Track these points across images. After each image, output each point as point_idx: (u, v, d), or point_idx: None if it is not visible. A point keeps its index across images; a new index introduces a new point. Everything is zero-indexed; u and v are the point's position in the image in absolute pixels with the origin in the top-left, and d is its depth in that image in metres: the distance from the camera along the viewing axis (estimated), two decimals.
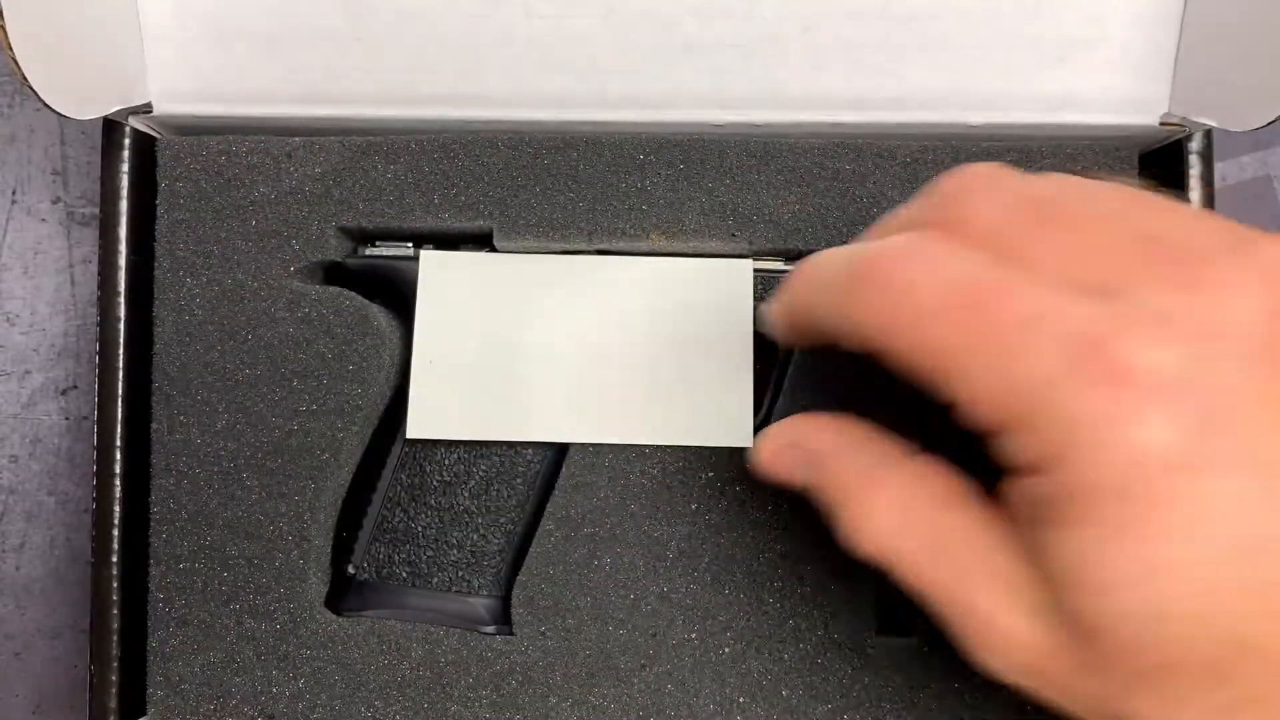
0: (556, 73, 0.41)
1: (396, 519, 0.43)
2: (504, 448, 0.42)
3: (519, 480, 0.42)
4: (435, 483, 0.42)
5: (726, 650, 0.42)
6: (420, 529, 0.42)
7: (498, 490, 0.42)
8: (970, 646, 0.29)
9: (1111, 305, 0.25)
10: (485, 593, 0.42)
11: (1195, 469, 0.24)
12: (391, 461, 0.43)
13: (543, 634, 0.42)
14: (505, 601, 0.42)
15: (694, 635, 0.42)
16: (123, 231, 0.41)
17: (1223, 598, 0.24)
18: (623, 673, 0.42)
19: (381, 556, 0.43)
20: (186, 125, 0.43)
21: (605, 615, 0.42)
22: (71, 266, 0.48)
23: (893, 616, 0.42)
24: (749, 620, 0.42)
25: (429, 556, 0.42)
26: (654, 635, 0.42)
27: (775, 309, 0.33)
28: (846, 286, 0.28)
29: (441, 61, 0.41)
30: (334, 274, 0.44)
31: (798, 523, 0.41)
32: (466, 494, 0.42)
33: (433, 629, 0.42)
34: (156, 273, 0.42)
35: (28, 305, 0.48)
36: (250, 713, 0.42)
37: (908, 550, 0.30)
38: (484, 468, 0.42)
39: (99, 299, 0.41)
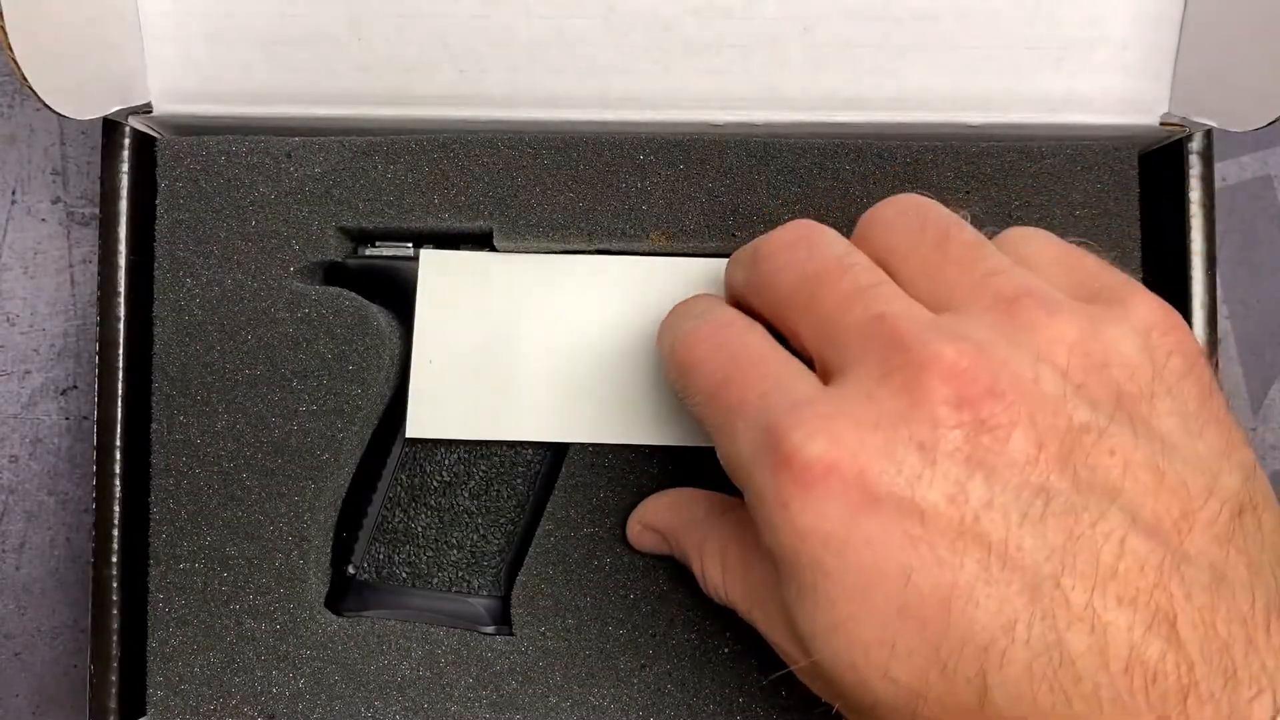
0: (556, 73, 0.41)
1: (396, 519, 0.43)
2: (504, 448, 0.42)
3: (519, 480, 0.42)
4: (435, 483, 0.42)
5: (726, 650, 0.42)
6: (420, 529, 0.42)
7: (498, 490, 0.42)
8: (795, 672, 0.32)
9: (820, 395, 0.29)
10: (485, 593, 0.42)
11: (851, 544, 0.26)
12: (391, 462, 0.43)
13: (543, 634, 0.42)
14: (505, 602, 0.42)
15: (694, 635, 0.42)
16: (123, 231, 0.41)
17: (891, 653, 0.26)
18: (623, 673, 0.42)
19: (381, 557, 0.43)
20: (186, 125, 0.43)
21: (605, 615, 0.42)
22: (71, 266, 0.48)
23: None
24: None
25: (429, 557, 0.42)
26: (654, 635, 0.42)
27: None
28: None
29: (441, 62, 0.41)
30: (334, 274, 0.44)
31: None
32: (466, 494, 0.42)
33: (433, 629, 0.42)
34: (156, 273, 0.42)
35: (28, 305, 0.48)
36: (250, 713, 0.42)
37: (733, 598, 0.35)
38: (484, 468, 0.42)
39: (99, 299, 0.41)
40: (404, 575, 0.43)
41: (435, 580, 0.42)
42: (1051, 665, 0.25)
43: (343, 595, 0.43)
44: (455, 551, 0.43)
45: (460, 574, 0.42)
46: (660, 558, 0.42)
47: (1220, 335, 0.48)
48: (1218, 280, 0.43)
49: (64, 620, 0.49)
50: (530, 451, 0.42)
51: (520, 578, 0.42)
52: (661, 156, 0.42)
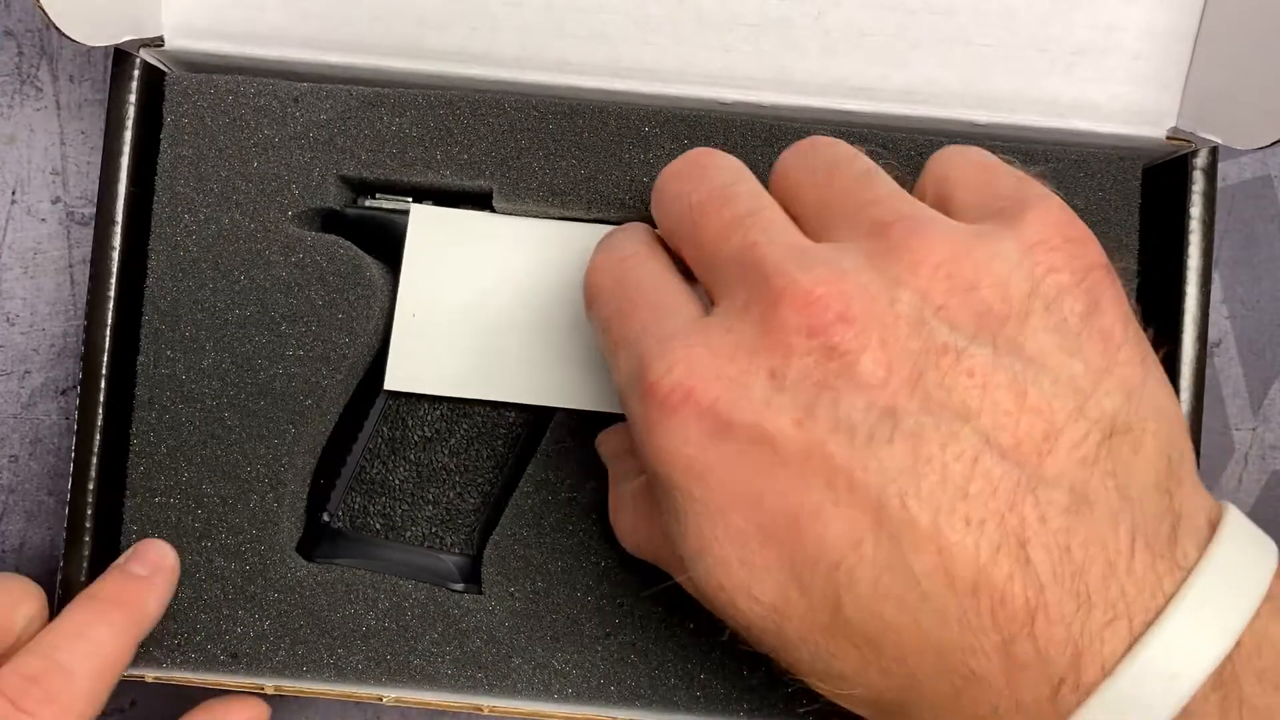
0: (568, 38, 0.41)
1: (375, 470, 0.43)
2: (487, 408, 0.42)
3: (500, 442, 0.42)
4: (416, 438, 0.43)
5: (692, 625, 0.42)
6: (397, 482, 0.43)
7: (478, 450, 0.42)
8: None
9: (688, 326, 0.30)
10: (457, 550, 0.43)
11: (710, 468, 0.28)
12: (374, 413, 0.43)
13: (511, 594, 0.42)
14: (476, 560, 0.43)
15: (660, 608, 0.42)
16: (125, 161, 0.41)
17: (751, 572, 0.28)
18: (586, 639, 0.42)
19: (357, 506, 0.43)
20: (196, 62, 0.43)
21: (575, 581, 0.42)
22: (71, 266, 0.48)
23: None
24: None
25: (404, 510, 0.43)
26: (621, 605, 0.42)
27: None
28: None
29: (455, 17, 0.41)
30: (331, 222, 0.44)
31: None
32: (446, 451, 0.42)
33: (401, 582, 0.42)
34: (155, 207, 0.43)
35: (28, 305, 0.48)
36: (213, 650, 0.42)
37: (637, 538, 0.36)
38: (466, 427, 0.42)
39: (95, 227, 0.41)
40: (378, 526, 0.43)
41: (408, 534, 0.42)
42: (897, 583, 0.25)
43: (316, 542, 0.43)
44: (431, 507, 0.42)
45: (434, 529, 0.42)
46: None
47: (1220, 335, 0.48)
48: (1218, 281, 0.43)
49: None
50: (513, 415, 0.42)
51: (494, 537, 0.42)
52: (666, 130, 0.42)
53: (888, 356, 0.26)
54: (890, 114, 0.42)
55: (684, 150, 0.41)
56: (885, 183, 0.31)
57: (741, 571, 0.28)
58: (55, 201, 0.48)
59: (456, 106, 0.42)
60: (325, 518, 0.43)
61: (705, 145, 0.42)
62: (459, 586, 0.42)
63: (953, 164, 0.32)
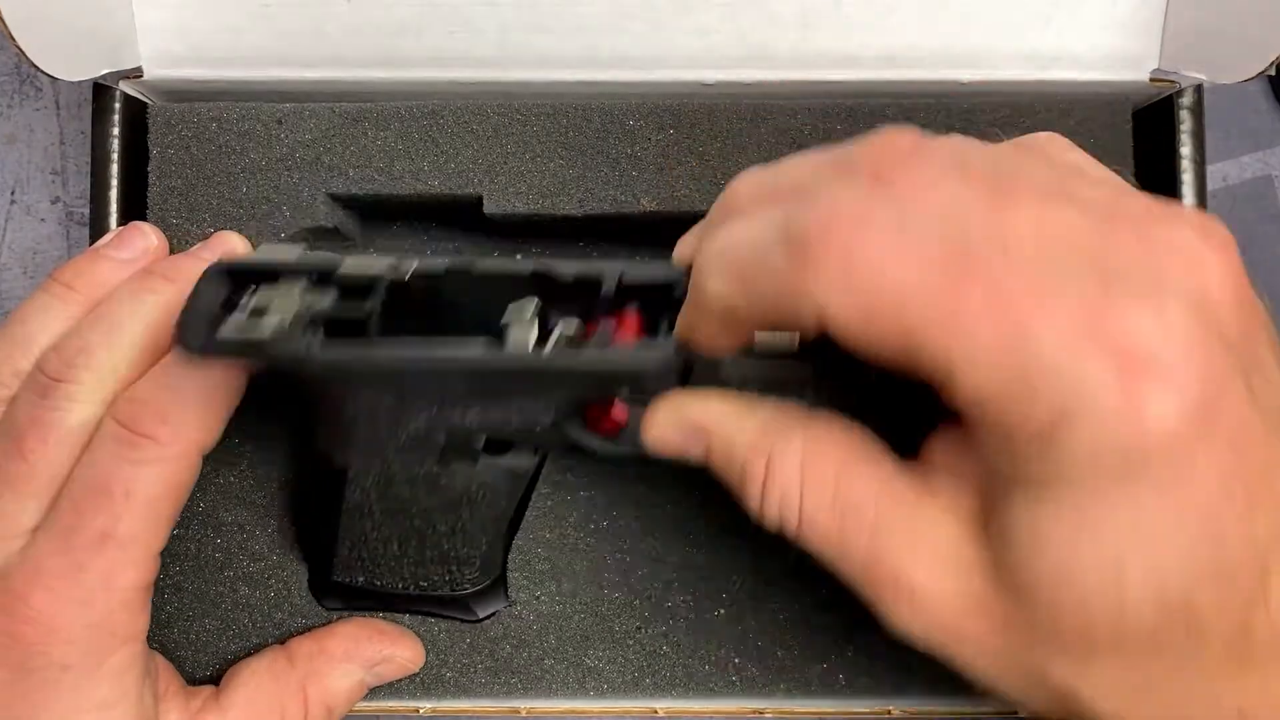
0: (544, 33, 0.41)
1: (369, 531, 0.39)
2: (466, 498, 0.38)
3: (502, 498, 0.38)
4: (406, 495, 0.38)
5: (721, 612, 0.41)
6: (396, 545, 0.39)
7: (481, 495, 0.38)
8: (881, 605, 0.29)
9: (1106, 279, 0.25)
10: (470, 586, 0.40)
11: (1182, 448, 0.24)
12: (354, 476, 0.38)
13: (537, 598, 0.42)
14: (498, 581, 0.41)
15: (689, 597, 0.41)
16: (114, 195, 0.41)
17: (1187, 570, 0.25)
18: (618, 635, 0.41)
19: (358, 562, 0.39)
20: (177, 90, 0.43)
21: (600, 578, 0.42)
22: None
23: None
24: (744, 581, 0.41)
25: (410, 564, 0.39)
26: (649, 598, 0.42)
27: (697, 318, 0.31)
28: (788, 266, 0.26)
29: (431, 22, 0.41)
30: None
31: None
32: (442, 505, 0.38)
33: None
34: None
35: None
36: None
37: (810, 510, 0.30)
38: (459, 486, 0.38)
39: None
40: (385, 581, 0.40)
41: (424, 584, 0.40)
42: None
43: (325, 594, 0.41)
44: (435, 566, 0.39)
45: (446, 574, 0.40)
46: (654, 520, 0.41)
47: None
48: None
49: None
50: (502, 500, 0.38)
51: (516, 542, 0.42)
52: (651, 121, 0.42)
53: None
54: (874, 80, 0.42)
55: (670, 140, 0.42)
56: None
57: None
58: (55, 201, 0.48)
59: (440, 116, 0.42)
60: (336, 576, 0.40)
61: (690, 133, 0.42)
62: (485, 615, 0.41)
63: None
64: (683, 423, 0.32)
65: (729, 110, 0.42)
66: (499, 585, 0.42)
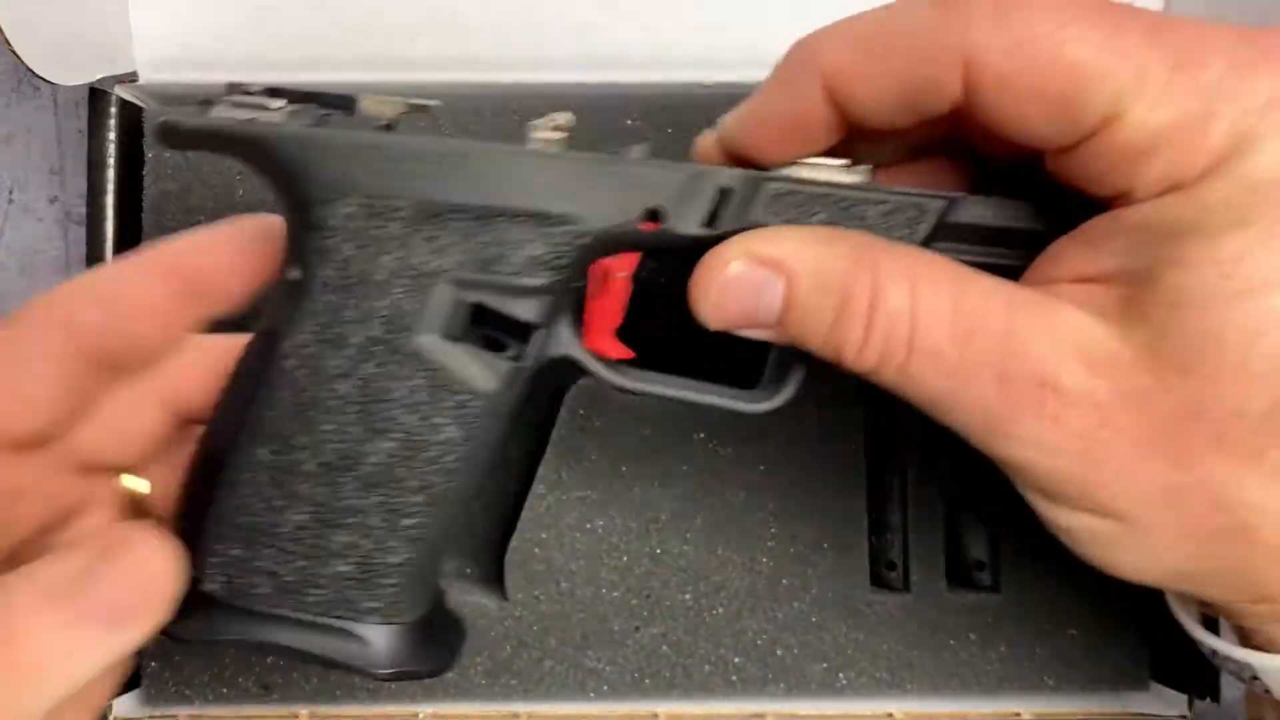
0: (541, 34, 0.41)
1: (256, 510, 0.30)
2: (415, 421, 0.29)
3: (434, 469, 0.30)
4: (311, 466, 0.30)
5: (720, 611, 0.41)
6: (288, 528, 0.30)
7: (402, 479, 0.30)
8: (1017, 425, 0.26)
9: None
10: (377, 618, 0.30)
11: None
12: (248, 428, 0.30)
13: (536, 598, 0.42)
14: (415, 629, 0.31)
15: (687, 596, 0.41)
16: (110, 199, 0.41)
17: None
18: (617, 635, 0.41)
19: (234, 561, 0.30)
20: (173, 94, 0.43)
21: (598, 579, 0.42)
22: (69, 266, 0.48)
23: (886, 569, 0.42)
24: (742, 580, 0.41)
25: (300, 566, 0.30)
26: (648, 597, 0.42)
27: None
28: (935, 17, 0.26)
29: (425, 25, 0.41)
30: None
31: (790, 482, 0.41)
32: (355, 484, 0.30)
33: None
34: (144, 243, 0.42)
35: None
36: (245, 683, 0.42)
37: (924, 335, 0.26)
38: (384, 448, 0.30)
39: (87, 263, 0.41)
40: (265, 590, 0.30)
41: (308, 598, 0.30)
42: None
43: (185, 612, 0.29)
44: (338, 561, 0.30)
45: (343, 591, 0.30)
46: (652, 520, 0.41)
47: None
48: None
49: None
50: (453, 430, 0.30)
51: (513, 542, 0.42)
52: (649, 121, 0.42)
53: None
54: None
55: (669, 139, 0.42)
56: None
57: None
58: (53, 201, 0.48)
59: (435, 117, 0.42)
60: (195, 577, 0.30)
61: (689, 133, 0.42)
62: (384, 673, 0.30)
63: None
64: (752, 263, 0.28)
65: (726, 109, 0.42)
66: (413, 636, 0.31)
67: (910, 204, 0.28)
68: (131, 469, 0.32)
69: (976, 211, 0.28)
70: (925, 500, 0.42)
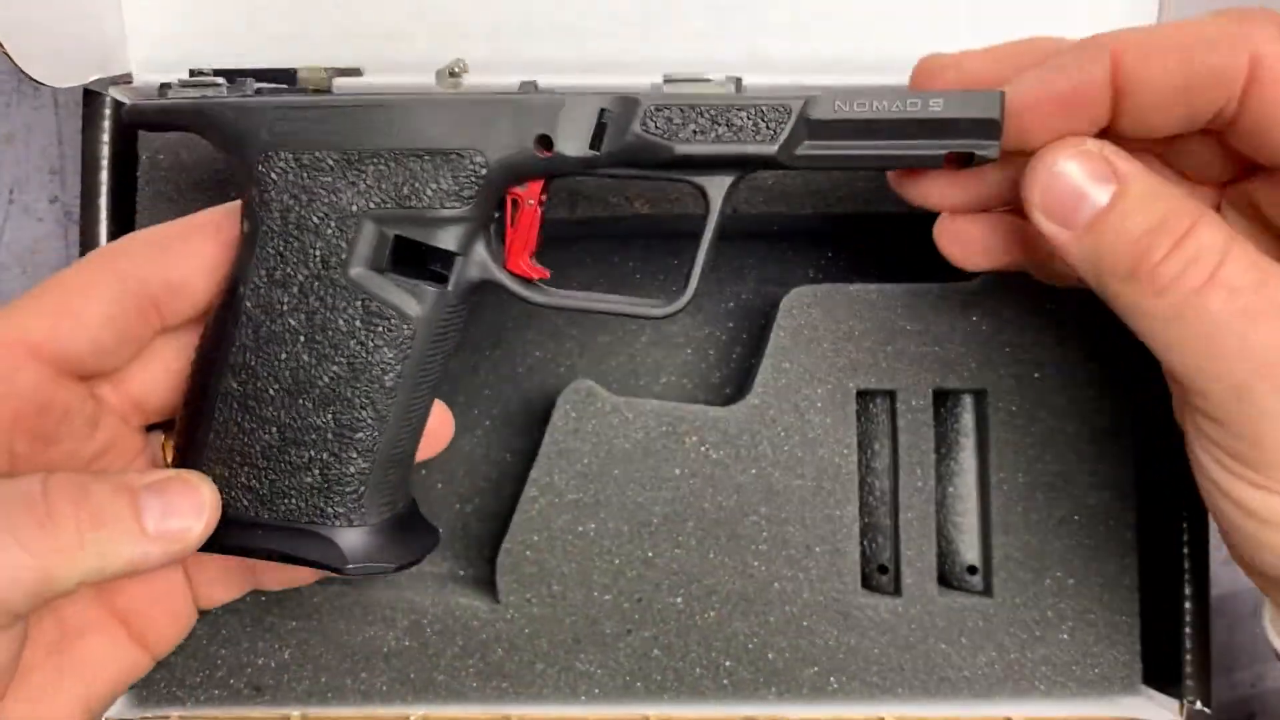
0: (536, 38, 0.41)
1: (231, 434, 0.35)
2: (355, 346, 0.34)
3: (376, 387, 0.34)
4: (272, 392, 0.34)
5: (712, 614, 0.41)
6: (259, 447, 0.35)
7: (350, 398, 0.34)
8: None
9: None
10: (342, 521, 0.35)
11: None
12: (221, 365, 0.35)
13: (528, 601, 0.42)
14: (380, 531, 0.35)
15: (679, 600, 0.41)
16: (104, 202, 0.41)
17: None
18: (608, 638, 0.41)
19: (219, 478, 0.35)
20: None
21: (590, 582, 0.42)
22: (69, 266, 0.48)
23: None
24: (734, 584, 0.41)
25: (272, 480, 0.35)
26: (639, 600, 0.42)
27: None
28: (1228, 26, 0.30)
29: (420, 28, 0.41)
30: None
31: (781, 486, 0.41)
32: (310, 404, 0.34)
33: (418, 598, 0.42)
34: None
35: None
36: (236, 684, 0.42)
37: (1229, 268, 0.29)
38: (332, 372, 0.34)
39: None
40: (245, 502, 0.35)
41: (281, 507, 0.35)
42: None
43: None
44: (304, 474, 0.35)
45: (310, 500, 0.35)
46: (643, 523, 0.41)
47: None
48: None
49: None
50: (389, 352, 0.34)
51: (505, 545, 0.42)
52: None
53: None
54: (868, 85, 0.42)
55: None
56: None
57: None
58: (53, 201, 0.48)
59: None
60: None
61: None
62: (351, 568, 0.34)
63: None
64: (1104, 160, 0.31)
65: None
66: (377, 536, 0.35)
67: (774, 105, 0.33)
68: (171, 418, 0.36)
69: (836, 105, 0.33)
70: (917, 504, 0.42)
